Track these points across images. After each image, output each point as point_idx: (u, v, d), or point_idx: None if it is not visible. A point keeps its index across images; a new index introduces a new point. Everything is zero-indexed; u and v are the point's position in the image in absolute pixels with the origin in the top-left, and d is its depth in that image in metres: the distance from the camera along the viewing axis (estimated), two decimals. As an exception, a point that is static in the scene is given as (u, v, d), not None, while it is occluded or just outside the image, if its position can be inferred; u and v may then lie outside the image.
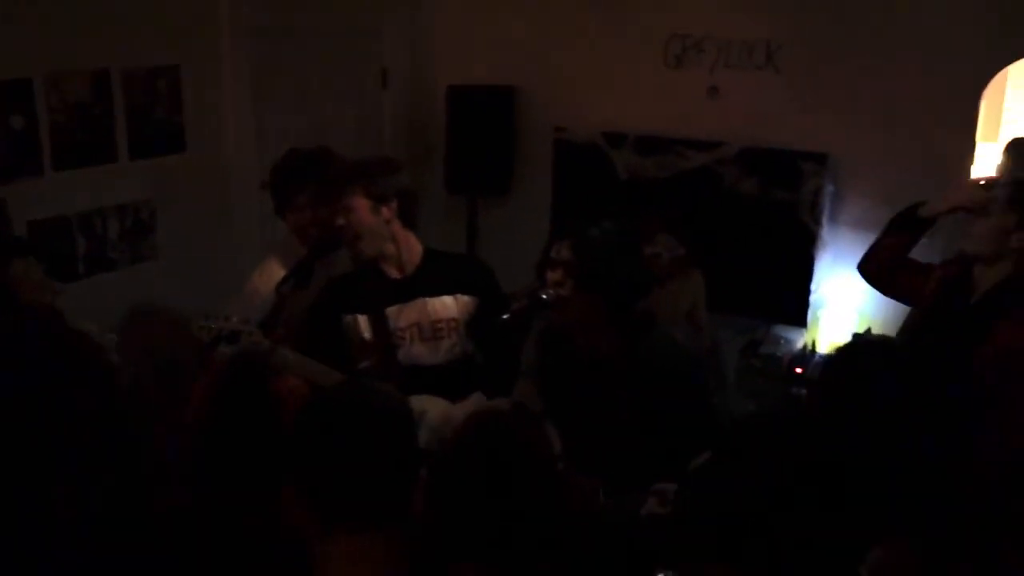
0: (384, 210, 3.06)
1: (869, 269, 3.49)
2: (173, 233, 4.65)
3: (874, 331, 4.79)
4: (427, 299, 3.15)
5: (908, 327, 3.45)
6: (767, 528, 1.62)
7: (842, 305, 5.04)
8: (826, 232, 5.01)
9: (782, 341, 5.14)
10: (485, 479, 1.86)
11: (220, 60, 4.80)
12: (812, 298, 5.07)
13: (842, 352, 2.51)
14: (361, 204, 3.03)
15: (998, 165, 6.01)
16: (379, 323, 3.14)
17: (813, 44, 4.99)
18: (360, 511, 1.73)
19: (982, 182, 3.28)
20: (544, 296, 2.86)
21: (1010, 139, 6.19)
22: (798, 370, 4.90)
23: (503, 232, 5.75)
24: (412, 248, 3.17)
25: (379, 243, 3.10)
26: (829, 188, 4.96)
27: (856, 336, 4.69)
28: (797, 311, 5.08)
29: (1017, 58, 4.86)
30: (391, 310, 3.14)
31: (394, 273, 3.16)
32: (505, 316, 2.89)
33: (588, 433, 2.67)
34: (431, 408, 2.94)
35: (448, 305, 3.17)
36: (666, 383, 2.77)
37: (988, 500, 2.53)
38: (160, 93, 4.53)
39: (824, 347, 5.04)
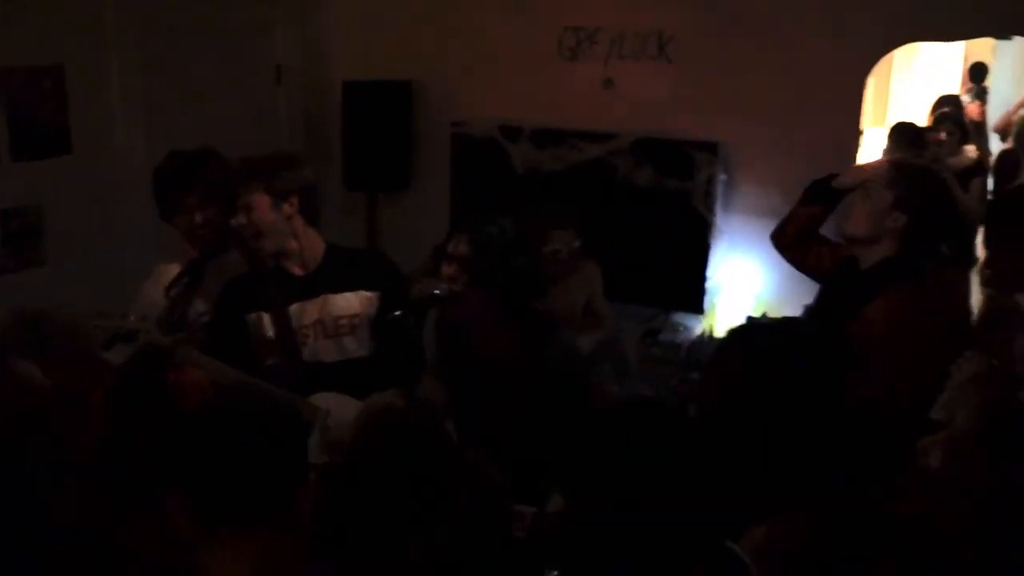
0: (285, 207, 3.03)
1: (782, 239, 3.48)
2: (62, 237, 4.54)
3: (770, 315, 4.90)
4: (330, 296, 3.13)
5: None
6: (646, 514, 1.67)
7: (738, 291, 5.14)
8: (720, 220, 5.09)
9: (680, 328, 5.22)
10: (383, 472, 1.87)
11: (107, 59, 4.70)
12: (708, 285, 5.15)
13: (730, 336, 2.57)
14: (262, 201, 3.00)
15: (884, 149, 6.23)
16: (282, 320, 3.10)
17: (704, 34, 5.07)
18: (241, 514, 1.73)
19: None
20: (437, 291, 2.88)
21: (893, 124, 6.45)
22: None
23: (403, 227, 5.74)
24: (314, 245, 3.14)
25: (281, 240, 3.07)
26: (721, 177, 5.05)
27: (749, 319, 4.80)
28: (694, 298, 5.16)
29: (901, 43, 5.02)
30: (294, 307, 3.11)
31: (296, 270, 3.13)
32: (397, 313, 2.90)
33: (486, 431, 2.69)
34: (335, 407, 2.94)
35: (351, 301, 3.15)
36: (562, 388, 2.81)
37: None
38: (44, 93, 4.42)
39: (722, 332, 5.12)
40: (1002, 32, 5.85)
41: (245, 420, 1.80)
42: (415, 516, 1.87)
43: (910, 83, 8.15)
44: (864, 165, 3.36)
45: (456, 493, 1.93)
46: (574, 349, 3.01)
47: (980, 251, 4.46)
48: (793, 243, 3.42)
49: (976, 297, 3.64)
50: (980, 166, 6.48)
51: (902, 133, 6.07)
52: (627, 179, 5.14)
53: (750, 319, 4.76)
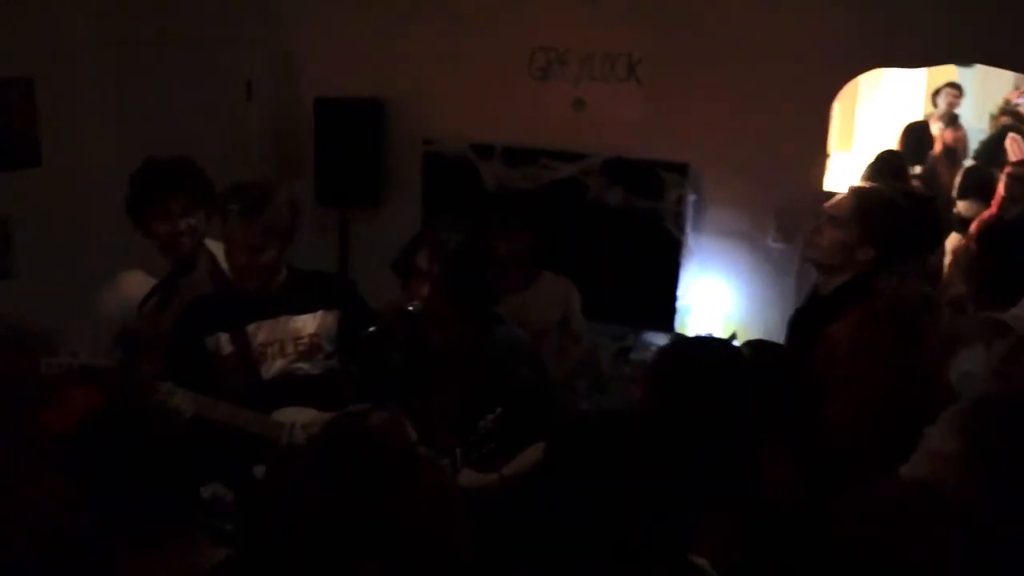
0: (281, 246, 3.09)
1: None
2: (30, 250, 4.50)
3: (739, 335, 4.95)
4: (289, 316, 3.16)
5: None
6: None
7: (708, 310, 5.19)
8: (690, 240, 5.14)
9: (652, 346, 5.23)
10: (342, 473, 1.88)
11: (77, 72, 4.67)
12: (679, 304, 5.19)
13: (669, 346, 2.62)
14: (272, 246, 3.04)
15: (862, 176, 6.22)
16: (241, 340, 3.12)
17: (673, 56, 5.13)
18: (143, 529, 1.81)
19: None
20: (411, 308, 2.90)
21: (878, 152, 6.39)
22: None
23: (375, 244, 5.69)
24: (279, 270, 3.17)
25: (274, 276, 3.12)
26: (691, 197, 5.10)
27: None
28: (665, 317, 5.20)
29: (867, 68, 5.10)
30: (252, 327, 3.13)
31: (256, 291, 3.14)
32: (372, 329, 2.92)
33: (434, 419, 2.73)
34: (300, 416, 2.96)
35: (309, 322, 3.18)
36: (500, 370, 2.91)
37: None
38: (12, 105, 4.38)
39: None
40: (964, 60, 5.95)
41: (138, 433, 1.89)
42: (370, 515, 1.86)
43: (876, 108, 8.24)
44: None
45: (412, 491, 1.93)
46: (519, 340, 3.06)
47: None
48: None
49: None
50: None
51: (887, 162, 6.03)
52: (598, 199, 5.18)
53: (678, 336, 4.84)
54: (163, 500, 1.84)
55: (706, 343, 2.92)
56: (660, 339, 5.26)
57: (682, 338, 4.39)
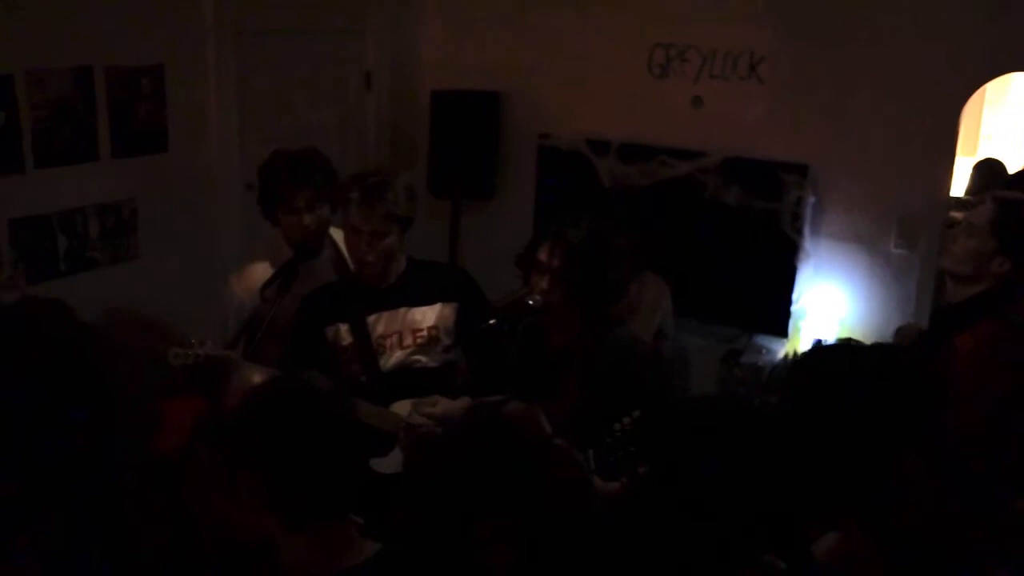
0: (403, 234, 3.13)
1: None
2: (154, 233, 4.62)
3: (854, 341, 4.82)
4: (408, 308, 3.18)
5: None
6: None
7: (823, 315, 5.07)
8: (808, 242, 5.03)
9: (763, 350, 5.15)
10: (486, 460, 1.91)
11: (205, 60, 4.77)
12: (793, 308, 5.09)
13: (806, 355, 2.54)
14: (395, 233, 3.08)
15: (967, 184, 6.06)
16: (360, 331, 3.15)
17: (796, 56, 5.01)
18: (317, 505, 1.81)
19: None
20: (531, 302, 2.88)
21: (980, 159, 6.26)
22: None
23: (486, 236, 5.75)
24: (399, 259, 3.20)
25: (392, 264, 3.16)
26: (810, 199, 4.98)
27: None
28: (778, 321, 5.09)
29: (996, 75, 4.92)
30: (372, 318, 3.15)
31: (377, 282, 3.17)
32: (491, 322, 2.90)
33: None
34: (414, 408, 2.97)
35: (428, 314, 3.19)
36: (620, 373, 2.85)
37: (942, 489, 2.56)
38: (143, 92, 4.51)
39: (804, 357, 5.05)
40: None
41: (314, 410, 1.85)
42: (508, 505, 1.89)
43: (1003, 114, 7.96)
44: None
45: (548, 480, 1.95)
46: (635, 342, 3.01)
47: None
48: None
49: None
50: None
51: (991, 169, 5.88)
52: (715, 197, 5.09)
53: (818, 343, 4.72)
54: (340, 478, 1.84)
55: (855, 349, 2.79)
56: (772, 343, 5.18)
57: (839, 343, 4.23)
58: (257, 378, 2.04)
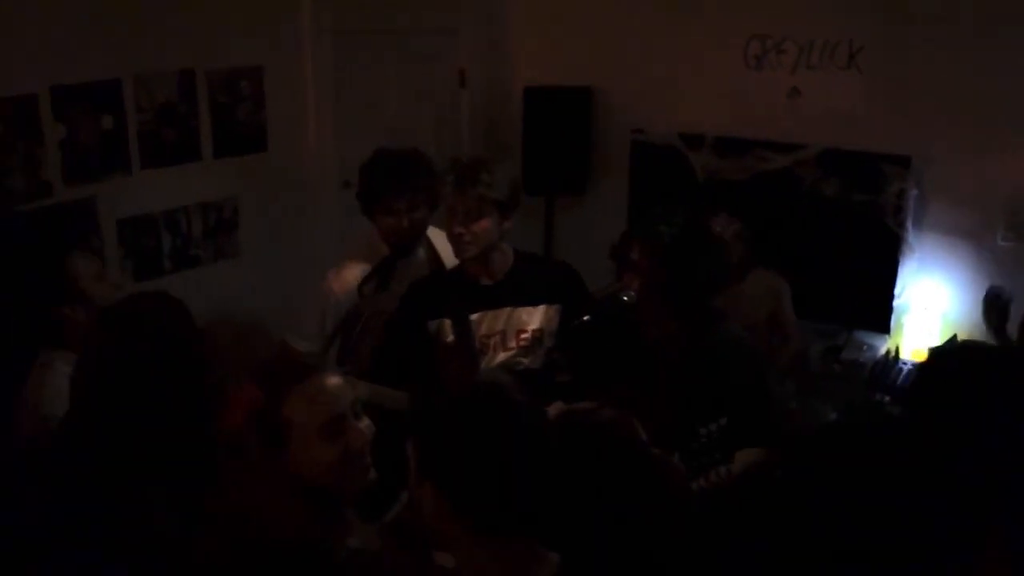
0: (506, 224, 3.04)
1: None
2: (254, 231, 4.73)
3: (959, 338, 4.68)
4: (513, 309, 3.09)
5: None
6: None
7: (927, 311, 4.93)
8: (910, 236, 4.89)
9: (864, 347, 5.03)
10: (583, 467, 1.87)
11: (302, 60, 4.87)
12: (896, 304, 4.96)
13: (932, 360, 2.44)
14: (492, 217, 2.98)
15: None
16: (463, 329, 3.07)
17: (896, 45, 4.87)
18: (505, 516, 1.70)
19: None
20: (625, 298, 2.85)
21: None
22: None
23: (579, 231, 5.73)
24: (505, 254, 3.11)
25: (488, 252, 3.05)
26: (913, 192, 4.85)
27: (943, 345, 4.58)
28: (880, 317, 4.97)
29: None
30: (476, 317, 3.07)
31: (483, 279, 3.09)
32: (586, 318, 2.88)
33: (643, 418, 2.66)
34: None
35: (533, 315, 3.11)
36: (717, 372, 2.78)
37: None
38: (243, 93, 4.61)
39: (907, 354, 4.92)
40: None
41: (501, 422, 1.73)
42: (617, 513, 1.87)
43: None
44: None
45: (650, 489, 1.94)
46: (740, 340, 2.92)
47: None
48: None
49: None
50: None
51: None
52: (813, 191, 4.99)
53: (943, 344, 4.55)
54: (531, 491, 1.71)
55: (987, 349, 2.67)
56: (874, 339, 5.06)
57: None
58: (331, 383, 2.02)
